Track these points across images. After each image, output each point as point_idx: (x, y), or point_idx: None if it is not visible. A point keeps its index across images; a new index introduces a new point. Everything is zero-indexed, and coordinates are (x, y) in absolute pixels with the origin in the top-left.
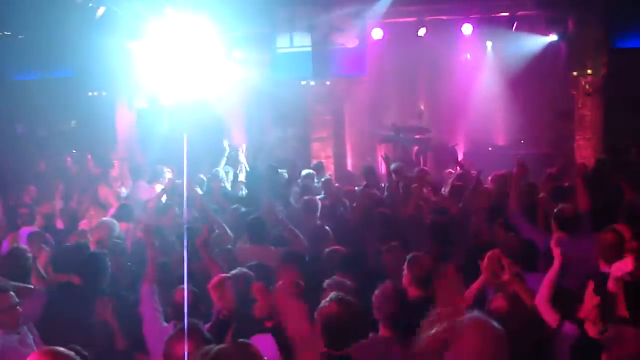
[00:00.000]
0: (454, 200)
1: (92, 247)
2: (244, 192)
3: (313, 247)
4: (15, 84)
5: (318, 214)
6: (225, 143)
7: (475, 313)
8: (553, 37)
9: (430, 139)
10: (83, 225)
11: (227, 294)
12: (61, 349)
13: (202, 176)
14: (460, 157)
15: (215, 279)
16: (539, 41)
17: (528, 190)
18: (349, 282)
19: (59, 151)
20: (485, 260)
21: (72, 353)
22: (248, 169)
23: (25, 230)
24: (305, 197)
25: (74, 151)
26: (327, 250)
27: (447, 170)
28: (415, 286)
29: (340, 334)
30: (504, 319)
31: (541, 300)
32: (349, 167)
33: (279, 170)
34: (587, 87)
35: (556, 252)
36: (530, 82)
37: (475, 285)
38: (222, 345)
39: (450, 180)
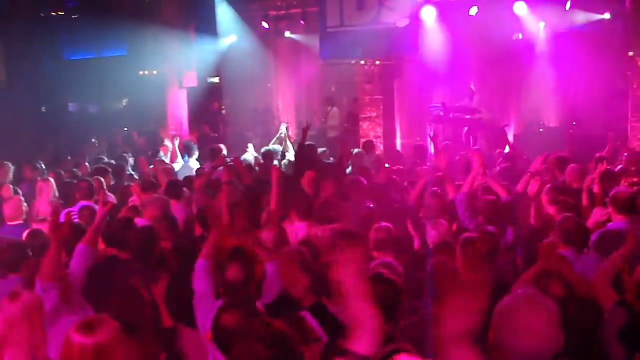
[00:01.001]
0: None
1: (142, 223)
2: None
3: (359, 225)
4: (68, 63)
5: (365, 192)
6: (283, 126)
7: (529, 290)
8: (607, 16)
9: (480, 119)
10: (133, 200)
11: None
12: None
13: (251, 154)
14: (510, 138)
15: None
16: (593, 20)
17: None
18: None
19: (110, 128)
20: (543, 248)
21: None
22: (294, 149)
23: (82, 204)
24: (353, 176)
25: (125, 129)
26: (375, 227)
27: (497, 151)
28: (469, 269)
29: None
30: (560, 304)
31: (602, 279)
32: (398, 146)
33: (321, 149)
34: None
35: (630, 234)
36: (583, 62)
37: (531, 271)
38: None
39: (499, 161)
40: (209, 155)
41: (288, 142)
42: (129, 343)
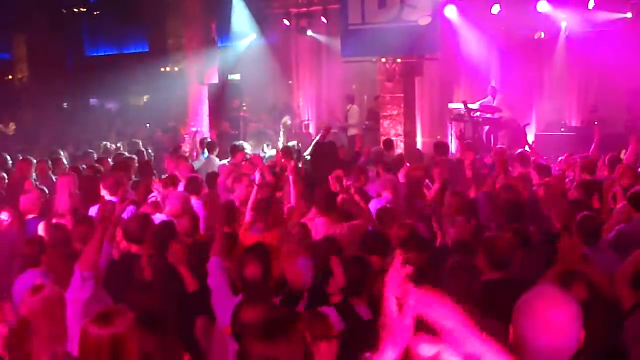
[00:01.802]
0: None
1: (163, 218)
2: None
3: (380, 223)
4: (90, 60)
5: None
6: (285, 119)
7: (550, 286)
8: (629, 15)
9: (501, 118)
10: (155, 196)
11: (298, 269)
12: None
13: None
14: (531, 138)
15: (288, 255)
16: (615, 19)
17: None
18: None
19: (131, 124)
20: (562, 247)
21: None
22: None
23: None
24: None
25: (147, 125)
26: (396, 225)
27: (517, 151)
28: (491, 268)
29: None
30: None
31: (623, 278)
32: (419, 145)
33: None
34: None
35: None
36: (605, 61)
37: (553, 271)
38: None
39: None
40: (229, 152)
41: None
42: (146, 335)
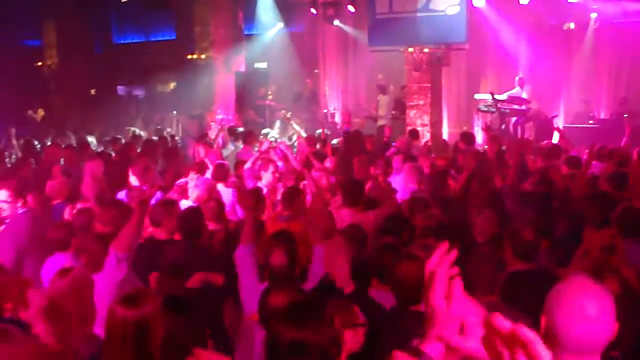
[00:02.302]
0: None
1: (190, 204)
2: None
3: (407, 212)
4: (118, 47)
5: (416, 180)
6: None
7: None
8: None
9: (529, 110)
10: (182, 183)
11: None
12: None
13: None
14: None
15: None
16: None
17: None
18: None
19: (158, 111)
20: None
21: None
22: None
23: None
24: (406, 163)
25: (174, 112)
26: (424, 215)
27: (544, 142)
28: (517, 259)
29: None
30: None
31: None
32: (445, 135)
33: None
34: None
35: None
36: (635, 52)
37: (584, 263)
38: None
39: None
40: (245, 138)
41: (295, 126)
42: (172, 318)
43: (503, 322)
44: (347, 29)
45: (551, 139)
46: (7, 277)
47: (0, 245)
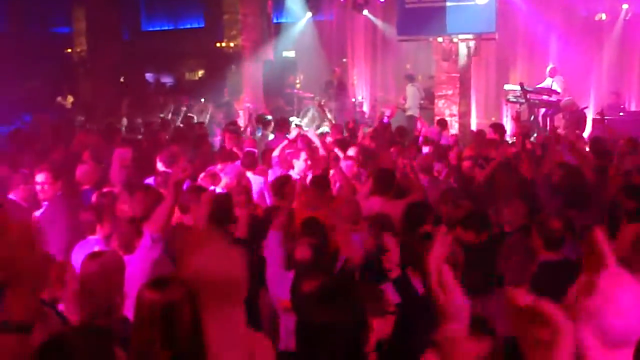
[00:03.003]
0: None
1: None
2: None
3: (434, 202)
4: (146, 35)
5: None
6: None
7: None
8: None
9: (559, 101)
10: (210, 169)
11: (354, 245)
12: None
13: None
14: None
15: (342, 231)
16: None
17: None
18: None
19: (187, 99)
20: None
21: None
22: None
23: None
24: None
25: (203, 99)
26: (451, 204)
27: (576, 132)
28: (546, 249)
29: None
30: None
31: None
32: (473, 126)
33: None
34: None
35: None
36: None
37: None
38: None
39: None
40: (277, 126)
41: (327, 114)
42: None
43: (525, 297)
44: (376, 20)
45: (582, 130)
46: (47, 260)
47: (43, 227)
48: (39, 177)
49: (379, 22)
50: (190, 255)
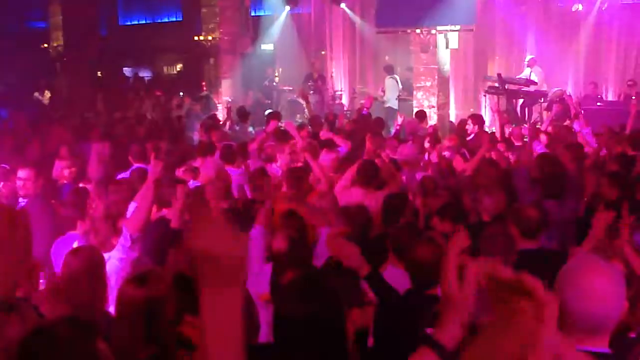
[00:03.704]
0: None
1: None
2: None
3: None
4: (124, 29)
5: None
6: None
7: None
8: None
9: (537, 91)
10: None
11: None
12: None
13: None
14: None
15: (333, 231)
16: None
17: None
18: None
19: (165, 93)
20: (599, 221)
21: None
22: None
23: (135, 166)
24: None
25: (181, 93)
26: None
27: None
28: (522, 238)
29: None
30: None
31: None
32: (452, 117)
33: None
34: None
35: None
36: None
37: (585, 247)
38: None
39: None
40: (263, 121)
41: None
42: (182, 296)
43: (506, 271)
44: (353, 14)
45: (572, 121)
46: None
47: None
48: (22, 173)
49: (357, 18)
50: (199, 230)
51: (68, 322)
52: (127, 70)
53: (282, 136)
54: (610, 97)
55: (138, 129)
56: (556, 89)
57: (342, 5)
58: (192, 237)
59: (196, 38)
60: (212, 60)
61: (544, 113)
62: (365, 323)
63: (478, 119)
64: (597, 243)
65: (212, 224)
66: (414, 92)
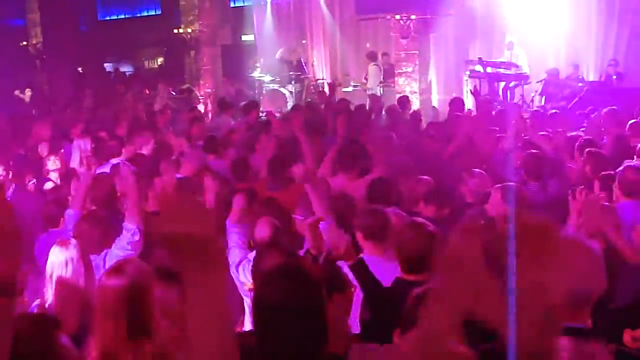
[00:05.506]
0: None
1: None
2: None
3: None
4: (103, 24)
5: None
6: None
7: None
8: None
9: (518, 75)
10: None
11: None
12: None
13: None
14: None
15: (311, 219)
16: None
17: None
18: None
19: (146, 86)
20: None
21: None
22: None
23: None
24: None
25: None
26: (413, 179)
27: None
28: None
29: (415, 258)
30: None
31: None
32: (435, 102)
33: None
34: None
35: None
36: (624, 15)
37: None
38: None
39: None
40: (243, 111)
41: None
42: (165, 286)
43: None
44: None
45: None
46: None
47: None
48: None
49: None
50: (166, 219)
51: (29, 318)
52: (108, 66)
53: (263, 126)
54: (592, 78)
55: (119, 124)
56: (552, 68)
57: None
58: (161, 223)
59: (176, 31)
60: (192, 53)
61: (537, 97)
62: (346, 309)
63: (457, 103)
64: (577, 222)
65: (178, 208)
66: (396, 78)
